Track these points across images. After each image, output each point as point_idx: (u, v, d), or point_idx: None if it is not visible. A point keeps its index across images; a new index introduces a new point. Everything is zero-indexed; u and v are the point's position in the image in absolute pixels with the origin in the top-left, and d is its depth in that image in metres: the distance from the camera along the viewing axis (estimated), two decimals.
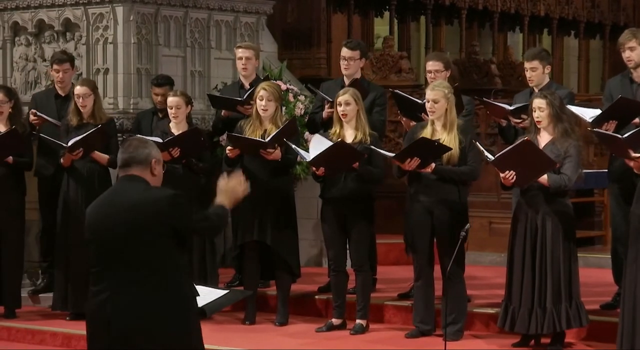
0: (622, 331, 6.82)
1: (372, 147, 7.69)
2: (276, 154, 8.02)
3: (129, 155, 5.01)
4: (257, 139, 8.04)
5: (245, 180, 5.21)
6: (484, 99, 8.40)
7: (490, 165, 7.43)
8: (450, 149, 7.44)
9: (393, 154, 7.63)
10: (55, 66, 9.16)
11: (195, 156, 8.44)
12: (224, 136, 9.02)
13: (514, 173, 7.14)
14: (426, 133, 7.58)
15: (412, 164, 7.47)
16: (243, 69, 8.98)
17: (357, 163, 7.73)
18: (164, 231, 4.85)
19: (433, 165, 7.46)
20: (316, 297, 8.72)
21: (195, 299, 5.02)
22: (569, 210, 7.36)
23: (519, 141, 7.19)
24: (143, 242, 4.84)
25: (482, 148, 7.36)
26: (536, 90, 7.93)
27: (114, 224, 4.88)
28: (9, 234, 8.70)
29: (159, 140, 8.27)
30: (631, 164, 6.94)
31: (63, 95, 9.20)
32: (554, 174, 7.19)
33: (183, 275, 4.97)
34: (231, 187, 5.17)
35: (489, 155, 7.28)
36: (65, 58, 9.31)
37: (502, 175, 7.20)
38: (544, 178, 7.17)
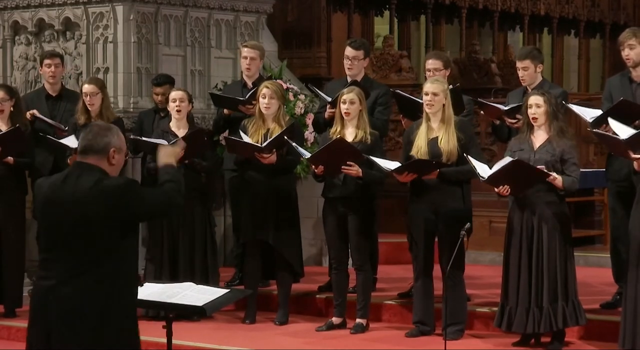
0: (623, 330, 6.83)
1: (372, 157, 7.66)
2: (271, 158, 8.01)
3: (88, 143, 4.96)
4: (253, 143, 8.02)
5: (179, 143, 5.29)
6: (479, 99, 8.40)
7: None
8: (446, 165, 7.44)
9: (392, 163, 7.59)
10: (46, 61, 9.15)
11: (199, 156, 8.43)
12: (225, 135, 9.02)
13: (508, 187, 7.16)
14: (422, 132, 7.57)
15: (408, 177, 7.48)
16: (247, 68, 8.97)
17: (361, 173, 7.71)
18: (112, 222, 4.82)
19: (437, 171, 7.46)
20: (316, 296, 8.72)
21: (136, 294, 5.01)
22: (565, 209, 7.37)
23: (508, 162, 7.15)
24: (90, 234, 4.81)
25: (474, 162, 7.32)
26: (529, 89, 7.95)
27: (62, 214, 4.85)
28: (10, 233, 8.69)
29: (165, 142, 8.24)
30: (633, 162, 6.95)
31: (54, 95, 9.20)
32: (567, 176, 7.19)
33: (130, 267, 4.95)
34: (168, 151, 5.21)
35: (481, 171, 7.24)
36: (56, 53, 9.31)
37: (496, 190, 7.23)
38: (559, 181, 7.16)
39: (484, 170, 7.26)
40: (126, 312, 4.94)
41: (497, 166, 7.19)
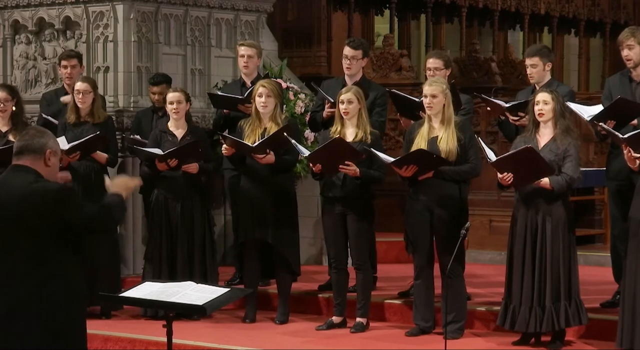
0: (621, 329, 6.82)
1: (372, 150, 7.68)
2: (268, 158, 8.00)
3: (24, 143, 4.95)
4: (246, 143, 8.01)
5: (133, 179, 5.30)
6: (483, 95, 8.40)
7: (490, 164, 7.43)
8: (450, 163, 7.45)
9: (392, 158, 7.61)
10: (63, 62, 9.18)
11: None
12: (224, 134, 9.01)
13: (512, 175, 7.16)
14: (423, 131, 7.58)
15: (408, 171, 7.48)
16: (244, 67, 8.97)
17: (358, 173, 7.72)
18: (48, 226, 4.80)
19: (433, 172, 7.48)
20: (316, 295, 8.72)
21: (81, 299, 5.00)
22: (569, 209, 7.36)
23: (522, 147, 7.17)
24: (27, 236, 4.81)
25: (483, 145, 7.35)
26: (537, 87, 7.92)
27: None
28: None
29: (160, 152, 8.22)
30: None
31: None
32: (555, 176, 7.18)
33: (71, 273, 4.93)
34: (122, 182, 5.19)
35: (490, 154, 7.27)
36: (73, 54, 9.33)
37: (500, 176, 7.22)
38: (546, 182, 7.16)
39: (491, 154, 7.28)
40: (69, 315, 4.92)
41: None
